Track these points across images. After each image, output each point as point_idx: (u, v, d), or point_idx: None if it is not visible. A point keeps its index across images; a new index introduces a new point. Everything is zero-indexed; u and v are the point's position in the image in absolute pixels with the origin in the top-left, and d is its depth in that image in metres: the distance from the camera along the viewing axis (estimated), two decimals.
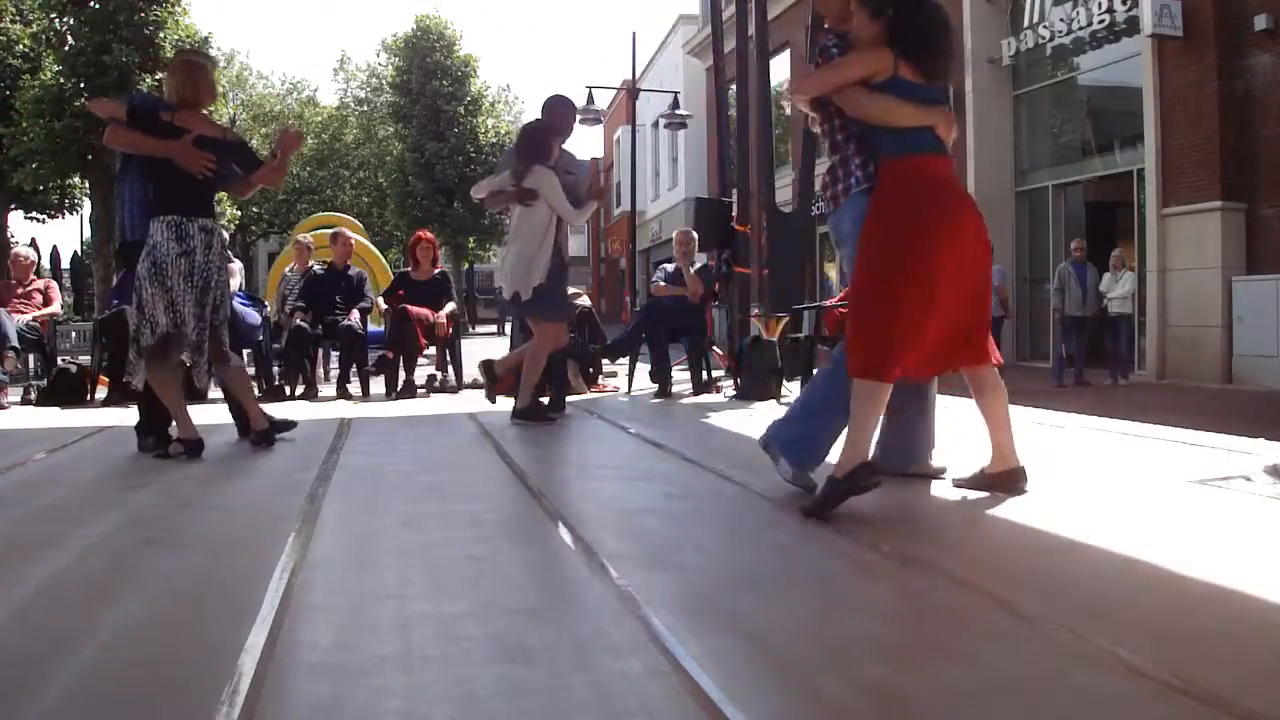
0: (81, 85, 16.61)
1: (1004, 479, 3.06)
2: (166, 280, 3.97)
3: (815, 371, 2.92)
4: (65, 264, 29.93)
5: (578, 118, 5.48)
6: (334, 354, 8.06)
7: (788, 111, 20.14)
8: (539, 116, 5.55)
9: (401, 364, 7.33)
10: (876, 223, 2.88)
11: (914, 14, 2.88)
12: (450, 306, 7.78)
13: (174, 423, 4.20)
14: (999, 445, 3.06)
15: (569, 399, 5.82)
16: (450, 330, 7.77)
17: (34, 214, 21.14)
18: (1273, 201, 9.86)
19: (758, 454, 3.27)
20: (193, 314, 4.03)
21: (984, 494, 3.06)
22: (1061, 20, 12.35)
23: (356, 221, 17.94)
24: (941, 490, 3.19)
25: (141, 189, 4.25)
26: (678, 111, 18.67)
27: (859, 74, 2.91)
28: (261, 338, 7.17)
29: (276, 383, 7.22)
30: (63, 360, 7.50)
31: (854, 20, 2.94)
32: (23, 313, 7.31)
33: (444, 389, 7.73)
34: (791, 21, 18.08)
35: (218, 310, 4.13)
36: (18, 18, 18.33)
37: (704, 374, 7.23)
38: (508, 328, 13.92)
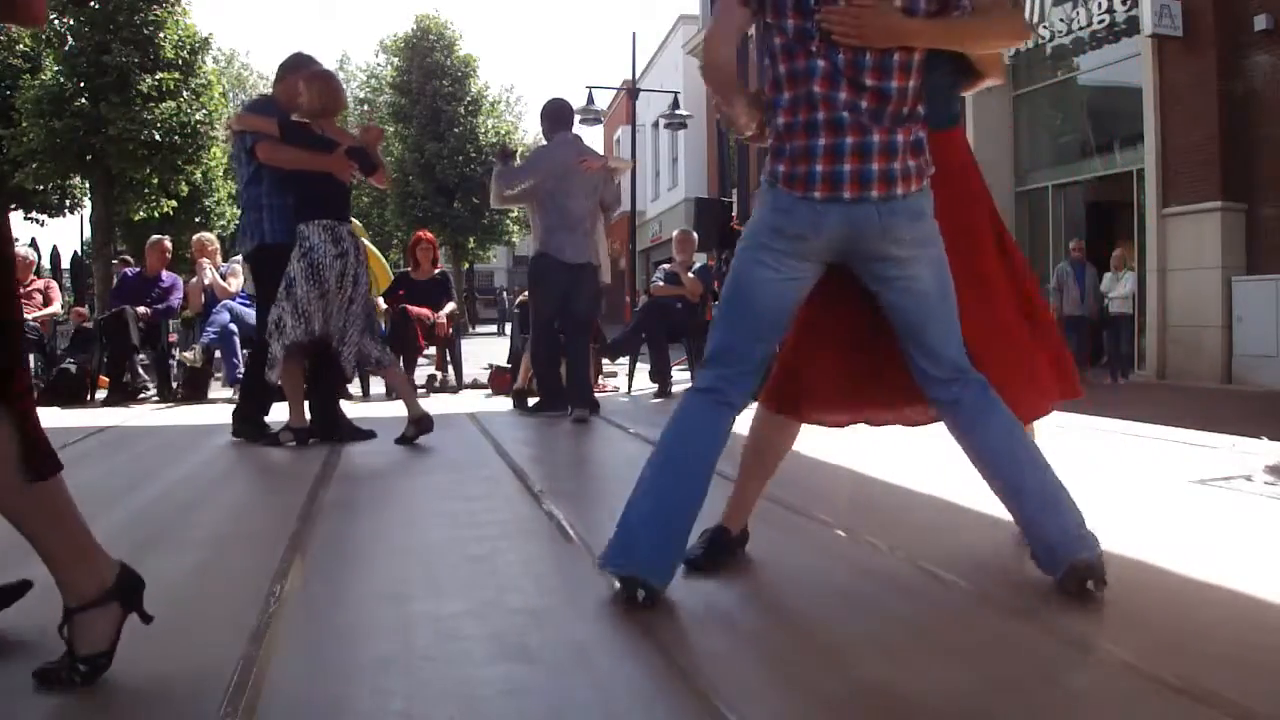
0: (81, 85, 16.62)
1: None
2: (325, 283, 4.23)
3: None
4: (65, 264, 29.92)
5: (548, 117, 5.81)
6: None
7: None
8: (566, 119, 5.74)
9: (401, 364, 7.33)
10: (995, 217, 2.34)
11: None
12: (450, 306, 7.78)
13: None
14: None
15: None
16: (450, 330, 7.77)
17: (34, 214, 21.14)
18: (1273, 201, 9.85)
19: None
20: (346, 311, 4.32)
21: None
22: (1061, 20, 12.34)
23: (356, 222, 17.92)
24: (942, 491, 3.19)
25: (281, 194, 4.38)
26: (678, 111, 18.66)
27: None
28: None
29: (278, 382, 7.22)
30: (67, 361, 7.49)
31: None
32: (25, 313, 7.31)
33: (444, 389, 7.73)
34: None
35: (367, 305, 4.46)
36: None
37: None
38: (508, 328, 13.93)
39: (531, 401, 5.87)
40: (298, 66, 4.56)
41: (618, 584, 2.00)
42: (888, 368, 2.17)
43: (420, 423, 4.42)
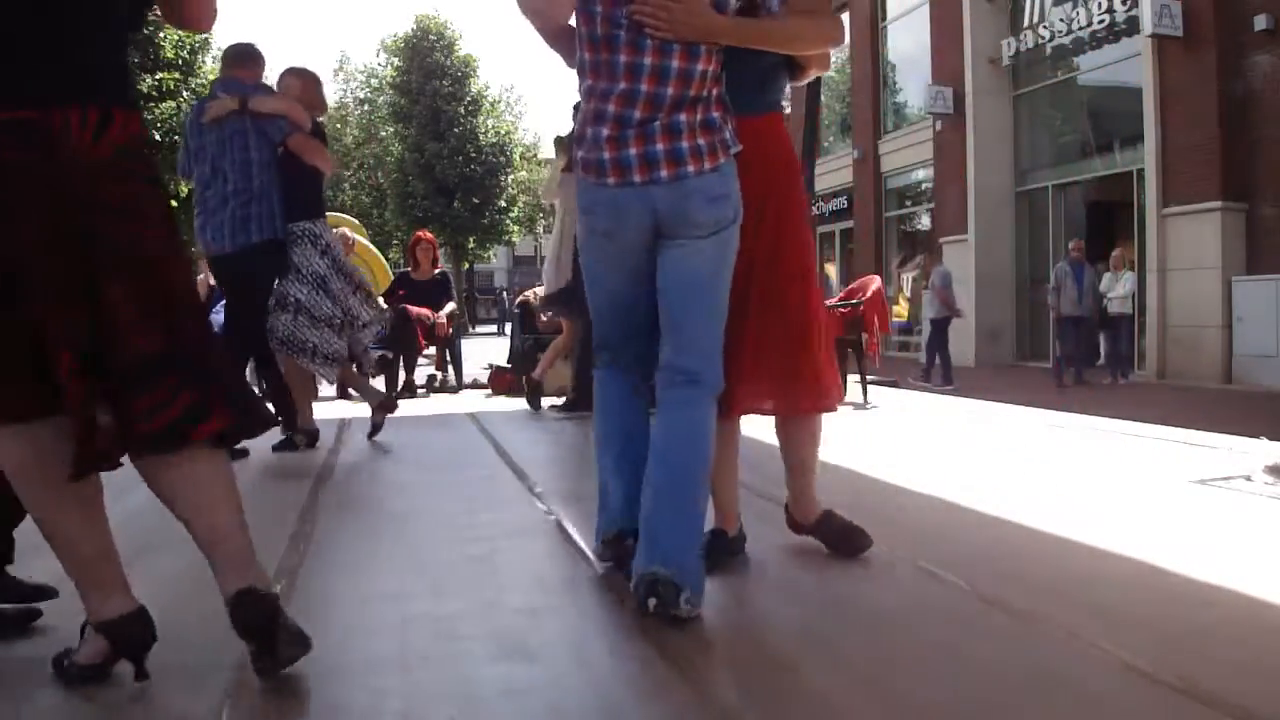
0: None
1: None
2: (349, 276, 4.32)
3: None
4: None
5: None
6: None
7: (787, 111, 20.16)
8: None
9: (401, 364, 7.34)
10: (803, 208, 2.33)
11: None
12: (450, 306, 7.78)
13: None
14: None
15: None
16: (450, 330, 7.78)
17: None
18: (1273, 201, 9.86)
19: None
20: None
21: (985, 499, 3.05)
22: (1061, 20, 12.35)
23: (356, 221, 17.93)
24: (941, 491, 3.19)
25: (280, 190, 4.25)
26: None
27: None
28: None
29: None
30: None
31: None
32: None
33: (444, 389, 7.73)
34: None
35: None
36: None
37: None
38: (508, 328, 13.94)
39: (550, 402, 5.84)
40: (250, 57, 4.39)
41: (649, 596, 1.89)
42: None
43: (384, 405, 4.50)
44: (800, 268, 2.23)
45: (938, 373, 10.78)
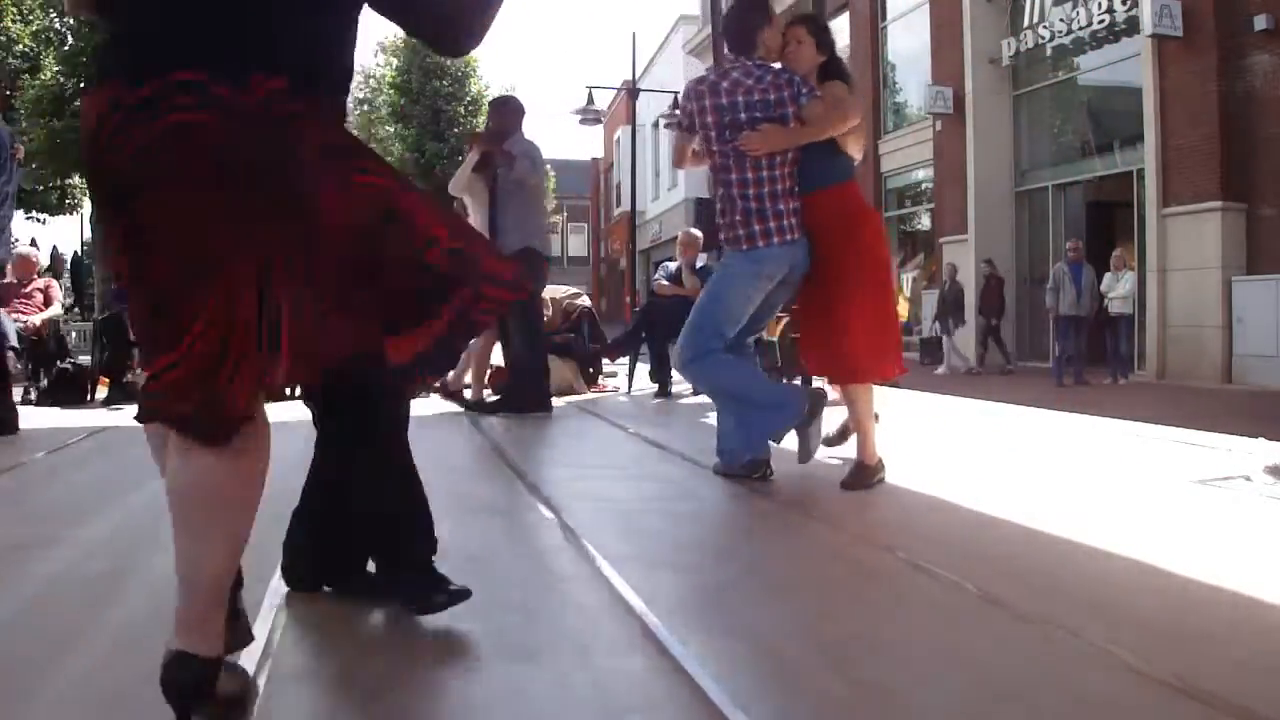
0: (82, 85, 16.60)
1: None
2: None
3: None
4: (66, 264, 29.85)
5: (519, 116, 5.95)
6: None
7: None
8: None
9: None
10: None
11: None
12: None
13: None
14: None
15: (569, 399, 5.85)
16: None
17: (34, 214, 21.11)
18: (1273, 201, 9.85)
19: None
20: None
21: (985, 499, 3.06)
22: (1061, 20, 12.34)
23: None
24: (941, 491, 3.19)
25: None
26: (678, 112, 18.61)
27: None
28: None
29: None
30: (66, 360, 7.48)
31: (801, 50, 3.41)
32: (24, 313, 7.29)
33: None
34: None
35: None
36: (18, 17, 18.31)
37: None
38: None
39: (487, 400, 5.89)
40: None
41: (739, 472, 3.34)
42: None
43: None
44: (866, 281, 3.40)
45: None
